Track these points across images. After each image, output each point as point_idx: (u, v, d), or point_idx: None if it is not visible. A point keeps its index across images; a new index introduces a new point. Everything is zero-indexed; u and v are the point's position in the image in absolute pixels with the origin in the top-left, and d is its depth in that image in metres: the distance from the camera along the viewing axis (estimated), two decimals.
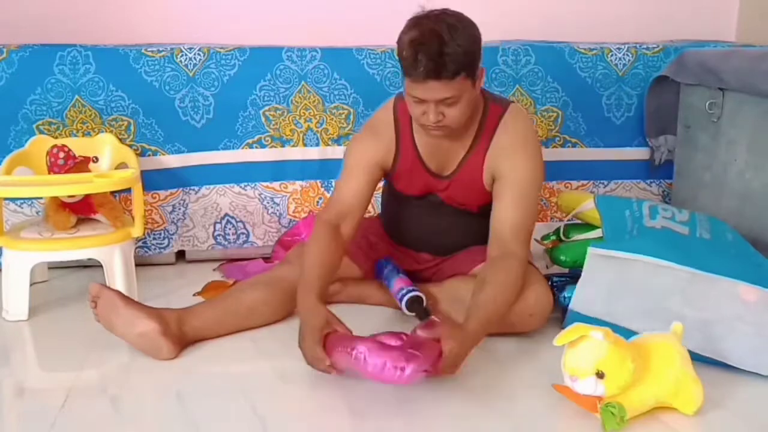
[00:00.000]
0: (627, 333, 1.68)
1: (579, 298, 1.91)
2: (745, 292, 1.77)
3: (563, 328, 1.90)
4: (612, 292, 1.88)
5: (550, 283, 2.02)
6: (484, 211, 1.98)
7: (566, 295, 1.97)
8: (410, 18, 1.79)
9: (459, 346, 1.61)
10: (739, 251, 1.91)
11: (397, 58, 1.80)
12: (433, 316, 1.81)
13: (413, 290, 1.99)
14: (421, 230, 2.12)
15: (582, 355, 1.51)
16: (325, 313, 1.72)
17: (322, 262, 1.85)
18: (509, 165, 1.90)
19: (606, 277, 1.88)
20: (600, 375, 1.49)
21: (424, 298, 1.98)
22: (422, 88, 1.74)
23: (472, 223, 2.04)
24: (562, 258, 2.06)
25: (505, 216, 1.88)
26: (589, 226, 2.06)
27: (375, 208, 2.52)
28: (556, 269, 2.15)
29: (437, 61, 1.70)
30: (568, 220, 2.18)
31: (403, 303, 1.98)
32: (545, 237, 2.17)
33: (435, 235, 2.11)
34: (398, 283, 2.03)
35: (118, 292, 1.86)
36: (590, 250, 1.89)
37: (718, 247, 1.90)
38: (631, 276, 1.86)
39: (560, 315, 1.97)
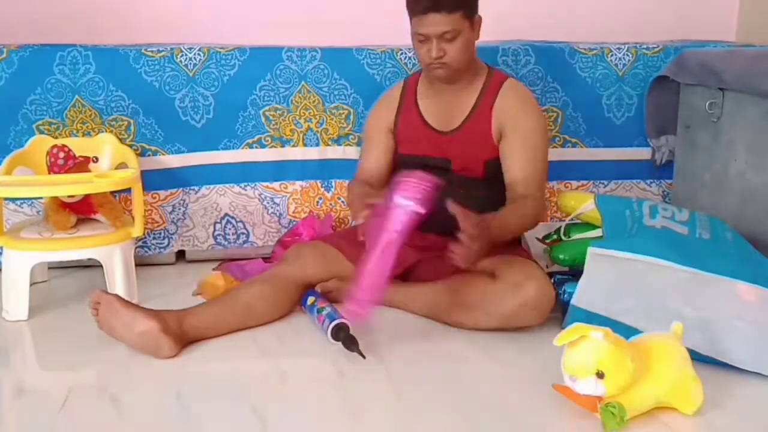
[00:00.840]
0: (628, 330, 1.68)
1: (580, 294, 1.91)
2: (744, 292, 1.77)
3: (564, 324, 1.93)
4: (612, 291, 1.88)
5: (551, 280, 2.02)
6: (489, 175, 2.08)
7: (567, 290, 1.97)
8: None
9: (479, 228, 1.79)
10: (738, 251, 1.90)
11: (406, 5, 2.01)
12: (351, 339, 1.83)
13: (337, 318, 1.91)
14: None
15: (582, 355, 1.51)
16: (366, 194, 1.96)
17: (362, 183, 2.12)
18: (517, 118, 2.06)
19: (606, 276, 1.88)
20: (600, 375, 1.49)
21: (348, 325, 1.90)
22: (424, 22, 1.96)
23: (477, 195, 2.05)
24: (561, 257, 2.06)
25: (518, 170, 2.04)
26: (589, 226, 2.06)
27: None
28: (556, 268, 2.15)
29: None
30: (569, 221, 2.18)
31: (328, 332, 1.90)
32: (546, 236, 2.17)
33: (443, 209, 2.09)
34: (319, 318, 1.96)
35: (117, 296, 1.87)
36: (590, 249, 1.90)
37: (718, 246, 1.90)
38: (631, 275, 1.86)
39: (560, 315, 1.98)
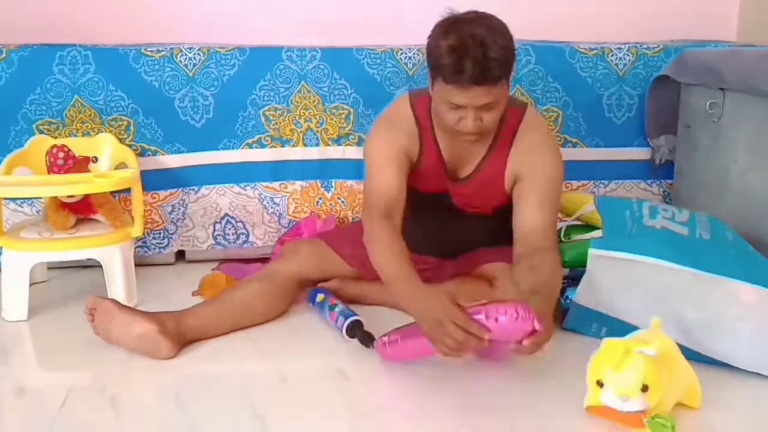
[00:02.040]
0: (630, 328, 1.68)
1: (583, 293, 1.91)
2: (744, 292, 1.77)
3: (565, 323, 1.95)
4: (614, 290, 1.88)
5: None
6: (498, 214, 1.98)
7: (566, 296, 1.97)
8: (440, 22, 1.76)
9: (548, 327, 1.58)
10: (738, 251, 1.90)
11: (429, 63, 1.77)
12: (385, 336, 1.77)
13: (351, 314, 1.92)
14: (428, 233, 2.07)
15: (631, 373, 1.48)
16: (444, 291, 1.70)
17: (401, 253, 1.78)
18: (534, 165, 1.89)
19: (608, 277, 1.88)
20: (645, 389, 1.48)
21: (362, 321, 1.91)
22: (466, 94, 1.71)
23: (484, 226, 2.03)
24: (561, 258, 2.06)
25: (533, 217, 1.85)
26: (589, 227, 2.06)
27: None
28: None
29: (483, 67, 1.67)
30: (570, 222, 2.17)
31: (343, 329, 1.90)
32: None
33: (442, 238, 2.09)
34: (331, 315, 1.97)
35: (113, 301, 1.86)
36: (591, 251, 1.89)
37: (718, 247, 1.90)
38: (632, 276, 1.86)
39: (560, 315, 1.97)
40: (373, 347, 1.83)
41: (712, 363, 1.76)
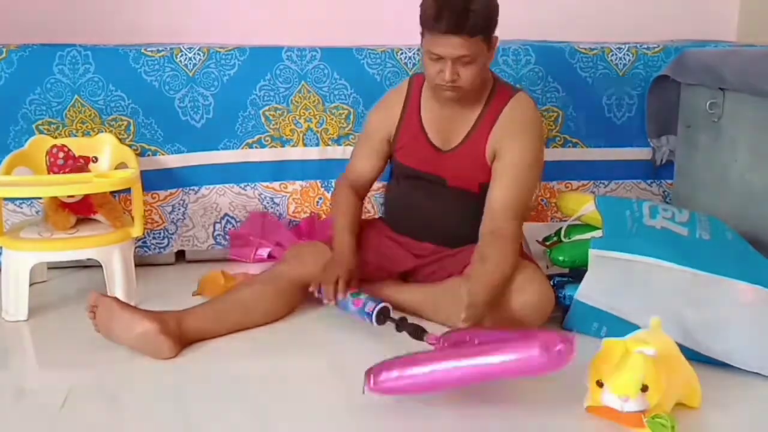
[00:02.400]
0: (631, 327, 1.69)
1: (584, 291, 1.92)
2: (743, 292, 1.77)
3: (566, 322, 1.95)
4: (615, 290, 1.89)
5: (551, 282, 2.02)
6: (484, 192, 2.03)
7: (567, 294, 1.97)
8: None
9: (473, 304, 1.76)
10: (738, 251, 1.91)
11: (420, 22, 1.91)
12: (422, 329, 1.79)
13: (379, 302, 1.89)
14: (423, 214, 2.11)
15: (630, 373, 1.49)
16: (355, 262, 1.98)
17: (349, 212, 2.10)
18: (510, 146, 2.00)
19: (609, 276, 1.89)
20: (644, 389, 1.48)
21: (389, 307, 1.90)
22: (443, 43, 1.87)
23: (474, 209, 2.04)
24: (560, 258, 2.06)
25: (498, 194, 1.98)
26: (590, 227, 2.06)
27: (376, 209, 2.53)
28: (556, 269, 2.14)
29: (460, 16, 1.83)
30: (570, 222, 2.17)
31: (373, 318, 1.87)
32: (546, 238, 2.17)
33: (437, 219, 2.10)
34: (356, 302, 1.92)
35: (114, 298, 1.86)
36: (591, 251, 1.90)
37: (718, 247, 1.90)
38: (633, 276, 1.87)
39: (560, 315, 1.97)
40: (424, 338, 1.78)
41: (712, 363, 1.76)
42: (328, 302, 1.91)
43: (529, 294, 1.90)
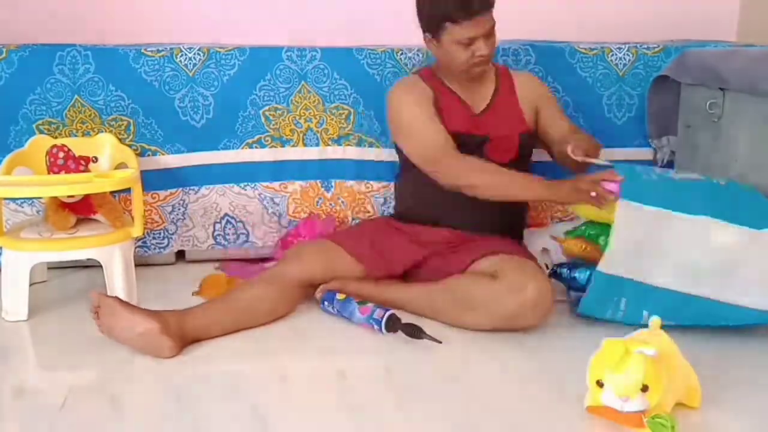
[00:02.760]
0: (650, 289, 1.79)
1: (607, 258, 1.92)
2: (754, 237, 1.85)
3: (580, 309, 1.97)
4: (636, 251, 1.90)
5: (559, 274, 2.08)
6: (521, 153, 2.20)
7: (576, 276, 2.01)
8: None
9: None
10: (754, 201, 1.96)
11: (431, 19, 2.06)
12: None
13: (386, 310, 1.94)
14: (446, 194, 2.10)
15: (630, 374, 1.48)
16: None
17: (497, 166, 2.08)
18: (543, 95, 2.31)
19: (632, 237, 1.91)
20: (644, 389, 1.48)
21: (396, 313, 1.94)
22: (476, 24, 2.02)
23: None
24: (589, 233, 2.10)
25: (564, 124, 2.27)
26: (606, 226, 2.05)
27: (376, 209, 2.53)
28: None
29: None
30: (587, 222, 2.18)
31: (382, 325, 1.91)
32: (568, 233, 2.17)
33: (460, 198, 2.08)
34: (363, 309, 1.97)
35: (117, 298, 1.87)
36: (620, 202, 1.90)
37: (734, 193, 1.96)
38: (654, 231, 1.89)
39: (567, 308, 1.98)
40: (423, 337, 1.85)
41: (719, 326, 1.84)
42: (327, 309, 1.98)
43: (528, 292, 1.89)
